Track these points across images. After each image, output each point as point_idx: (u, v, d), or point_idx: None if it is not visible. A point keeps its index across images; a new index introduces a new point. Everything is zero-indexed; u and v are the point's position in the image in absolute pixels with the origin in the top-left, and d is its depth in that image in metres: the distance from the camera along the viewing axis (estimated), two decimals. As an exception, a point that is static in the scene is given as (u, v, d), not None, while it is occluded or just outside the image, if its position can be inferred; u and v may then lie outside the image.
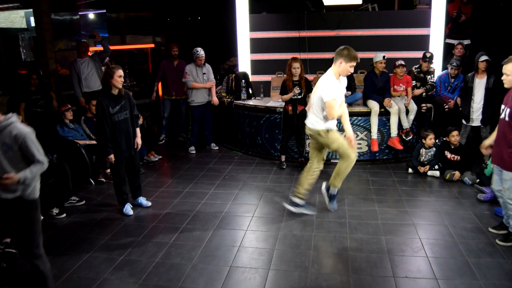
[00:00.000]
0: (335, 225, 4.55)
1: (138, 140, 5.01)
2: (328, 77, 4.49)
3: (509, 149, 3.86)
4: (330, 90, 4.38)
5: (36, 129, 6.27)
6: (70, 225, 4.74)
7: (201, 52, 7.16)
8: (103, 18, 10.58)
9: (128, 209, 4.98)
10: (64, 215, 4.95)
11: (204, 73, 7.26)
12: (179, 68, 7.77)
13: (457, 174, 5.75)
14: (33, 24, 8.38)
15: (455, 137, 5.88)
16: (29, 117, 6.54)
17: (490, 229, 4.36)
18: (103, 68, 7.41)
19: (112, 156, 4.74)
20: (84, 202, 5.33)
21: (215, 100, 7.38)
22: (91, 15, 10.70)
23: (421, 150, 6.11)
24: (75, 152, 5.82)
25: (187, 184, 5.89)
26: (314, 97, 4.57)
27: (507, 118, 3.91)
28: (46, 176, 4.80)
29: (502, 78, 3.98)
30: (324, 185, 4.99)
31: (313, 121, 4.62)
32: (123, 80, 4.71)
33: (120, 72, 4.64)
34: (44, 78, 7.73)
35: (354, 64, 4.39)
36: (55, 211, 4.92)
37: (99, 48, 8.34)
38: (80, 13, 9.92)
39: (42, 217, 4.61)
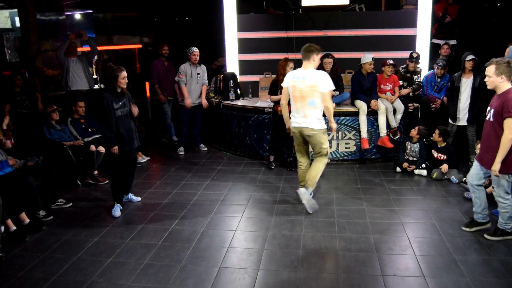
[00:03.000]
0: (323, 225, 4.57)
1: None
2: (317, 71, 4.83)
3: (495, 150, 3.93)
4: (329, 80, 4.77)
5: (22, 130, 6.25)
6: (57, 228, 4.67)
7: (194, 48, 7.15)
8: (90, 18, 10.49)
9: (117, 210, 4.96)
10: (51, 217, 4.89)
11: (198, 73, 7.24)
12: (170, 68, 7.73)
13: (444, 166, 5.80)
14: (18, 24, 8.26)
15: (437, 135, 5.96)
16: (15, 118, 6.45)
17: (463, 227, 4.42)
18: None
19: (116, 147, 4.84)
20: (71, 204, 5.27)
21: (205, 103, 7.32)
22: (77, 15, 10.60)
23: (407, 144, 6.19)
24: (62, 154, 5.76)
25: (175, 185, 5.86)
26: (310, 95, 4.75)
27: (491, 119, 4.01)
28: (33, 179, 4.78)
29: (485, 79, 4.06)
30: (302, 190, 4.95)
31: (316, 120, 4.85)
32: (126, 80, 4.87)
33: (124, 73, 4.84)
34: (29, 79, 7.64)
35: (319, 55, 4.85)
36: (42, 213, 4.86)
37: (86, 48, 8.26)
38: (66, 13, 9.80)
39: (28, 220, 4.60)
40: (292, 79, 4.84)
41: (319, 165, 4.97)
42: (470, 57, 6.03)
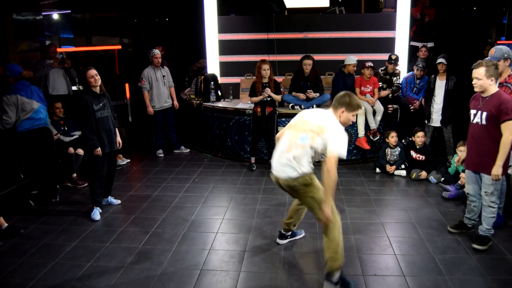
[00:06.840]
0: (305, 226, 4.58)
1: (119, 139, 5.19)
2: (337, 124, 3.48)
3: (491, 154, 3.81)
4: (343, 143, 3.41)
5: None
6: (35, 232, 4.58)
7: (155, 50, 7.07)
8: (68, 18, 10.35)
9: (97, 213, 4.89)
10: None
11: (163, 76, 7.16)
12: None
13: (423, 173, 5.90)
14: (-7, 24, 8.10)
15: (420, 138, 6.04)
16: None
17: (449, 228, 4.41)
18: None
19: (99, 149, 4.78)
20: (33, 204, 5.24)
21: (176, 103, 7.32)
22: (55, 16, 10.43)
23: (386, 150, 6.24)
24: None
25: (156, 188, 5.81)
26: (315, 141, 3.47)
27: (484, 122, 3.85)
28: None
29: (473, 82, 3.87)
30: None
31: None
32: (97, 79, 4.77)
33: (91, 72, 4.75)
34: (5, 80, 7.48)
35: (357, 113, 3.54)
36: None
37: (65, 49, 8.14)
38: (43, 13, 9.64)
39: (6, 224, 4.50)
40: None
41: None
42: (438, 60, 6.17)
